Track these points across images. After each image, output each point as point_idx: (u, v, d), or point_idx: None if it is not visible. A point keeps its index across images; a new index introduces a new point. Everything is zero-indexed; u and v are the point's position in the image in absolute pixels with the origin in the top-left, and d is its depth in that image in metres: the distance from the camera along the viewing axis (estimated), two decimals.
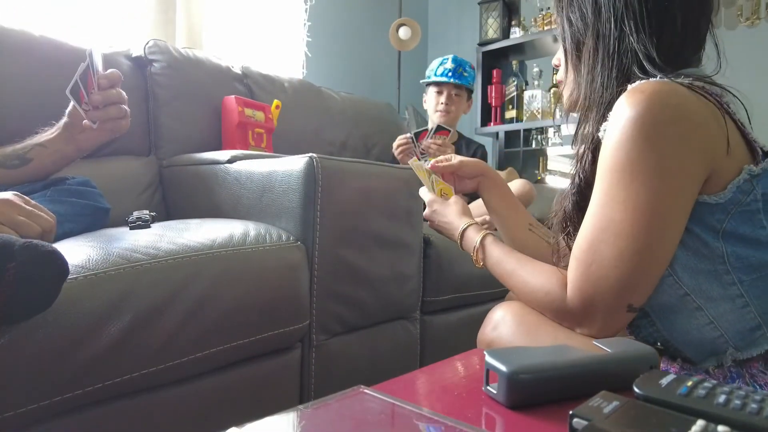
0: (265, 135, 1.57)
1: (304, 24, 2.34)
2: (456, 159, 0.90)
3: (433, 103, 2.02)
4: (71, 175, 0.96)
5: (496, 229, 0.91)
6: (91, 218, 0.92)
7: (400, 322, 1.22)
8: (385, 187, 1.14)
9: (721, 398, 0.38)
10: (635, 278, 0.58)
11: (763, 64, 2.27)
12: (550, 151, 2.75)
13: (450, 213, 0.85)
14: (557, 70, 0.79)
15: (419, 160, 0.90)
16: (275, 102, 1.64)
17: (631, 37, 0.64)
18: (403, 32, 2.53)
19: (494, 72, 2.70)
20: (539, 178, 2.72)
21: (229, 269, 0.84)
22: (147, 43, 1.47)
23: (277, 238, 0.96)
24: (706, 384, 0.41)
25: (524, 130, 2.71)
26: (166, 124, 1.44)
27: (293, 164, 1.02)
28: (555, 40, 2.33)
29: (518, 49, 2.67)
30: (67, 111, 0.90)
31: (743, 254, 0.59)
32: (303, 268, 0.97)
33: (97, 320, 0.66)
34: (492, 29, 2.68)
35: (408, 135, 1.83)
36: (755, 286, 0.59)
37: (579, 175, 0.69)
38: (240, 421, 0.38)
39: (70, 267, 0.61)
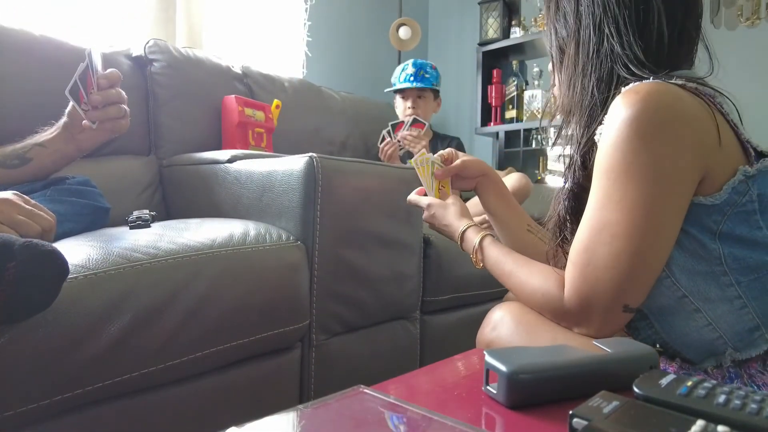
0: (265, 135, 1.57)
1: (305, 23, 2.34)
2: (458, 159, 0.90)
3: (401, 109, 2.12)
4: (71, 174, 0.96)
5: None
6: (91, 218, 0.92)
7: (399, 322, 1.22)
8: (385, 187, 1.14)
9: (721, 398, 0.38)
10: (631, 279, 0.59)
11: (763, 64, 2.27)
12: (550, 152, 2.75)
13: (449, 215, 0.85)
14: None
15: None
16: (275, 102, 1.64)
17: (612, 40, 0.65)
18: (404, 32, 2.53)
19: (494, 72, 2.70)
20: (539, 178, 2.72)
21: (229, 269, 0.84)
22: (147, 43, 1.47)
23: (277, 238, 0.96)
24: (705, 384, 0.41)
25: (524, 130, 2.70)
26: (166, 124, 1.44)
27: (293, 164, 1.02)
28: None
29: (518, 49, 2.67)
30: (66, 111, 0.90)
31: (740, 255, 0.59)
32: (303, 268, 0.97)
33: (97, 320, 0.66)
34: (492, 29, 2.68)
35: (386, 129, 1.94)
36: (753, 287, 0.59)
37: (569, 179, 0.70)
38: (240, 421, 0.38)
39: (70, 266, 0.61)
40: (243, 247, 0.88)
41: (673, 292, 0.61)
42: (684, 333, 0.63)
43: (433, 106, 2.14)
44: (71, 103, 0.87)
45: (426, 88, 2.08)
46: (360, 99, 2.19)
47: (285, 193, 1.03)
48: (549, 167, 2.75)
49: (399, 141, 1.91)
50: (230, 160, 1.18)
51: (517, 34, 2.63)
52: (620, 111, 0.58)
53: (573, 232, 0.66)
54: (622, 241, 0.58)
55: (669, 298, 0.62)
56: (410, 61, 2.12)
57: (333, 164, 1.01)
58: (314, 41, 2.36)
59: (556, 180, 2.70)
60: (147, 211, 0.95)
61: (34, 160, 0.92)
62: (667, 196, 0.57)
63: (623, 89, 0.61)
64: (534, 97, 2.60)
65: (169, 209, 1.38)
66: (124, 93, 0.90)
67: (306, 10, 2.34)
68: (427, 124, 1.93)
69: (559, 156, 0.74)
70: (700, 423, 0.34)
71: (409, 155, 1.97)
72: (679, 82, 0.61)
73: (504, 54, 2.76)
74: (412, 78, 2.07)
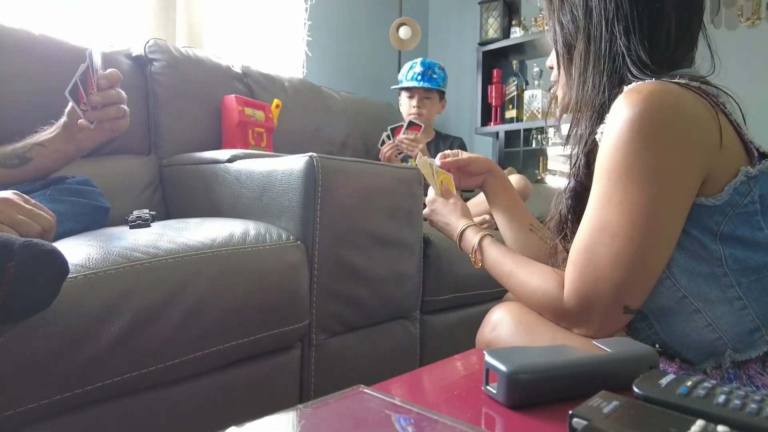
0: (265, 134, 1.57)
1: (305, 23, 2.34)
2: (465, 154, 0.91)
3: (406, 107, 2.12)
4: (71, 174, 0.97)
5: (496, 228, 0.91)
6: (91, 217, 0.92)
7: (399, 322, 1.22)
8: (385, 187, 1.14)
9: (721, 398, 0.38)
10: (632, 280, 0.59)
11: (763, 64, 2.27)
12: (550, 151, 2.75)
13: (449, 213, 0.85)
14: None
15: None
16: (275, 101, 1.64)
17: (620, 41, 0.64)
18: (404, 32, 2.53)
19: (494, 72, 2.70)
20: (539, 177, 2.72)
21: (229, 268, 0.84)
22: (147, 42, 1.47)
23: (277, 238, 0.96)
24: (705, 384, 0.41)
25: (524, 130, 2.71)
26: (166, 124, 1.44)
27: (293, 163, 1.02)
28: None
29: (518, 48, 2.67)
30: (66, 111, 0.90)
31: (741, 256, 0.59)
32: (303, 268, 0.97)
33: (96, 319, 0.66)
34: (492, 29, 2.68)
35: (386, 132, 1.97)
36: (753, 288, 0.59)
37: (573, 178, 0.69)
38: (240, 421, 0.38)
39: (70, 266, 0.61)
40: (243, 246, 0.88)
41: (674, 293, 0.61)
42: (684, 334, 0.63)
43: (438, 107, 2.14)
44: (71, 103, 0.87)
45: (433, 88, 2.07)
46: (360, 99, 2.19)
47: (285, 192, 1.03)
48: (549, 167, 2.75)
49: (397, 145, 1.93)
50: (230, 160, 1.18)
51: (517, 33, 2.63)
52: (622, 111, 0.58)
53: (574, 231, 0.65)
54: (623, 242, 0.58)
55: (669, 299, 0.62)
56: (419, 60, 2.12)
57: (333, 164, 1.01)
58: (314, 41, 2.36)
59: (556, 180, 2.70)
60: (147, 211, 0.95)
61: (34, 159, 0.92)
62: (669, 197, 0.57)
63: (625, 88, 0.61)
64: (534, 97, 2.60)
65: (169, 209, 1.38)
66: (123, 93, 0.90)
67: (306, 10, 2.34)
68: (422, 126, 1.94)
69: (564, 155, 0.74)
70: (699, 423, 0.34)
71: (408, 158, 1.98)
72: (682, 81, 0.61)
73: (504, 54, 2.76)
74: (419, 77, 2.06)
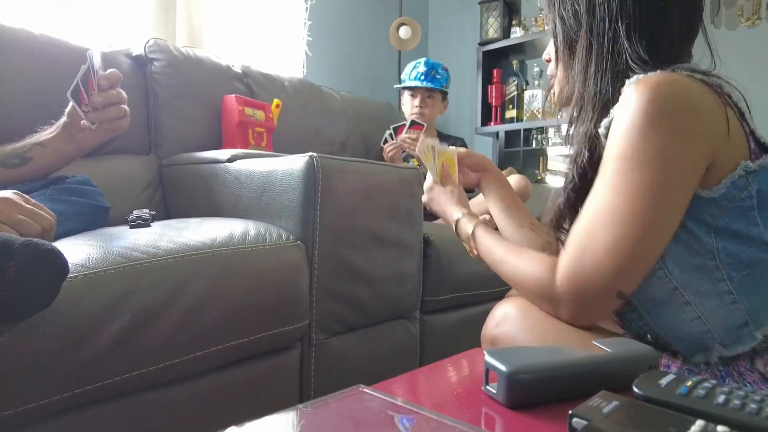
0: (265, 134, 1.57)
1: (305, 23, 2.34)
2: (462, 149, 0.92)
3: (408, 107, 2.11)
4: (71, 173, 0.96)
5: (496, 229, 0.91)
6: (91, 217, 0.92)
7: (399, 322, 1.22)
8: (385, 187, 1.14)
9: (721, 398, 0.38)
10: (629, 264, 0.58)
11: (763, 64, 2.27)
12: (550, 151, 2.75)
13: (446, 201, 0.86)
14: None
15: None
16: (275, 101, 1.64)
17: (623, 40, 0.64)
18: (404, 32, 2.53)
19: (494, 72, 2.70)
20: (539, 177, 2.72)
21: (228, 268, 0.84)
22: (147, 42, 1.47)
23: (277, 238, 0.96)
24: (705, 384, 0.41)
25: (524, 130, 2.71)
26: (166, 123, 1.44)
27: (293, 163, 1.02)
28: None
29: (518, 48, 2.67)
30: (66, 111, 0.90)
31: (734, 251, 0.59)
32: (303, 268, 0.97)
33: (97, 319, 0.66)
34: (492, 29, 2.68)
35: (388, 131, 1.98)
36: (744, 283, 0.59)
37: (573, 174, 0.69)
38: (239, 420, 0.38)
39: (70, 266, 0.61)
40: (243, 246, 0.88)
41: (665, 284, 0.61)
42: (674, 325, 0.63)
43: (440, 107, 2.14)
44: (71, 104, 0.87)
45: (436, 89, 2.07)
46: (360, 99, 2.19)
47: (285, 192, 1.03)
48: (549, 167, 2.75)
49: (400, 144, 1.93)
50: (230, 160, 1.18)
51: (517, 33, 2.63)
52: (631, 100, 0.58)
53: (571, 225, 0.65)
54: (623, 227, 0.57)
55: (660, 290, 0.62)
56: (422, 60, 2.12)
57: (333, 164, 1.01)
58: (314, 41, 2.36)
59: (556, 180, 2.70)
60: (147, 211, 0.95)
61: (34, 159, 0.92)
62: (673, 184, 0.57)
63: (635, 78, 0.61)
64: (534, 97, 2.60)
65: (169, 208, 1.38)
66: (124, 93, 0.90)
67: (306, 10, 2.34)
68: (425, 125, 1.94)
69: (563, 155, 0.74)
70: (699, 423, 0.34)
71: (410, 158, 1.99)
72: (686, 73, 0.61)
73: (504, 54, 2.76)
74: (423, 77, 2.06)
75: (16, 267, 0.53)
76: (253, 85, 1.70)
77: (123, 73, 0.91)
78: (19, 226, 0.68)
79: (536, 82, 2.65)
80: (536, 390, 0.45)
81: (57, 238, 0.79)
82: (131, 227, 0.91)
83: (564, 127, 0.75)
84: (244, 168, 1.14)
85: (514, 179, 1.71)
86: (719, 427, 0.33)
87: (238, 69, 1.68)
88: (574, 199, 0.69)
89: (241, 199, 1.12)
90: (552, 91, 0.79)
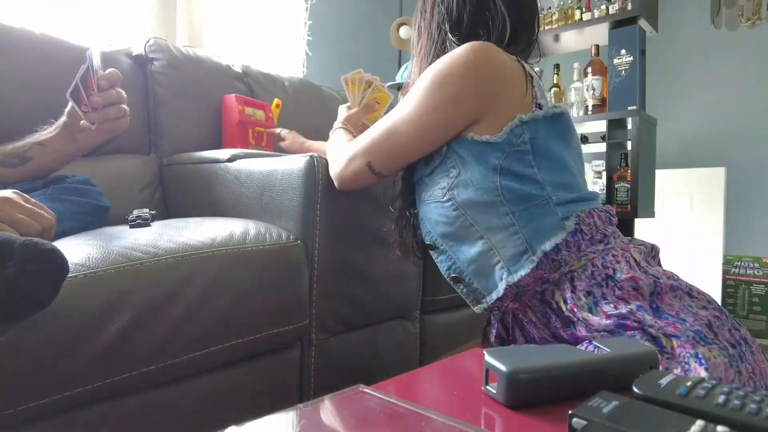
0: (265, 134, 1.57)
1: (305, 23, 2.34)
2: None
3: None
4: (71, 173, 0.96)
5: None
6: (91, 216, 0.92)
7: (399, 321, 1.22)
8: (386, 186, 1.14)
9: (720, 398, 0.38)
10: (380, 143, 0.83)
11: (764, 64, 2.27)
12: None
13: (344, 114, 1.13)
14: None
15: None
16: (275, 101, 1.64)
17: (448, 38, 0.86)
18: (404, 31, 2.53)
19: None
20: None
21: (228, 268, 0.84)
22: (147, 42, 1.46)
23: (277, 237, 0.96)
24: (705, 384, 0.41)
25: None
26: (167, 123, 1.44)
27: (293, 163, 1.02)
28: (555, 39, 2.33)
29: None
30: (66, 110, 0.90)
31: (513, 188, 0.74)
32: (303, 267, 0.97)
33: (96, 319, 0.66)
34: None
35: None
36: (522, 215, 0.74)
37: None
38: (239, 420, 0.38)
39: (69, 265, 0.61)
40: (243, 246, 0.88)
41: (463, 222, 0.77)
42: (473, 259, 0.78)
43: None
44: (71, 104, 0.87)
45: None
46: None
47: (285, 192, 1.03)
48: None
49: None
50: (230, 159, 1.18)
51: None
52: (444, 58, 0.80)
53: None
54: (392, 120, 0.81)
55: (460, 228, 0.78)
56: None
57: None
58: (315, 40, 2.36)
59: None
60: (147, 210, 0.95)
61: (34, 159, 0.92)
62: (438, 111, 0.77)
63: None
64: None
65: (169, 208, 1.38)
66: (123, 93, 0.90)
67: (306, 9, 2.34)
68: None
69: None
70: (699, 423, 0.34)
71: None
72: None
73: None
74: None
75: (15, 266, 0.53)
76: (254, 85, 1.70)
77: (123, 73, 0.91)
78: (19, 226, 0.68)
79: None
80: (536, 390, 0.45)
81: (57, 237, 0.79)
82: (131, 227, 0.91)
83: None
84: (244, 168, 1.14)
85: None
86: (719, 427, 0.33)
87: (238, 68, 1.68)
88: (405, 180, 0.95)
89: (241, 198, 1.12)
90: None
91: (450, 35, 0.85)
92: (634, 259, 0.72)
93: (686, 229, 2.61)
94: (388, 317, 1.19)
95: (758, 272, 2.48)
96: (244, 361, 0.89)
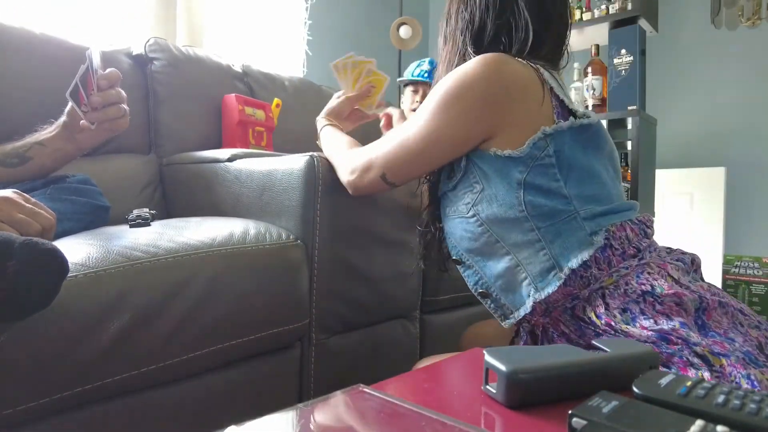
0: (265, 133, 1.57)
1: (305, 22, 2.34)
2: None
3: (408, 102, 2.15)
4: (71, 173, 0.96)
5: None
6: (91, 216, 0.92)
7: (399, 321, 1.22)
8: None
9: (720, 398, 0.38)
10: (394, 156, 0.81)
11: (764, 64, 2.27)
12: None
13: (330, 105, 1.13)
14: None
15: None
16: (275, 100, 1.64)
17: (470, 49, 0.85)
18: (404, 31, 2.53)
19: None
20: None
21: (228, 268, 0.84)
22: (147, 41, 1.46)
23: (277, 237, 0.96)
24: (705, 384, 0.41)
25: None
26: (167, 122, 1.44)
27: (294, 163, 1.02)
28: None
29: None
30: (65, 110, 0.90)
31: (538, 203, 0.71)
32: (303, 267, 0.97)
33: (96, 318, 0.66)
34: None
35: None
36: (549, 231, 0.71)
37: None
38: (239, 420, 0.38)
39: (70, 265, 0.60)
40: (243, 246, 0.88)
41: (488, 238, 0.75)
42: (499, 275, 0.76)
43: None
44: (70, 104, 0.87)
45: None
46: None
47: (285, 192, 1.03)
48: None
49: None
50: (230, 159, 1.18)
51: None
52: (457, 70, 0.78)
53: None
54: (404, 134, 0.79)
55: (485, 245, 0.76)
56: (427, 59, 2.17)
57: None
58: (315, 40, 2.36)
59: None
60: (147, 210, 0.95)
61: (33, 158, 0.92)
62: (452, 127, 0.75)
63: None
64: None
65: (169, 208, 1.38)
66: (123, 92, 0.90)
67: (306, 9, 2.34)
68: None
69: None
70: (699, 423, 0.34)
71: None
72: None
73: None
74: (427, 75, 2.10)
75: (15, 266, 0.53)
76: (254, 85, 1.70)
77: (123, 73, 0.91)
78: (19, 225, 0.68)
79: None
80: (536, 390, 0.45)
81: (57, 237, 0.79)
82: (131, 226, 0.91)
83: None
84: (244, 167, 1.14)
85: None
86: (719, 427, 0.33)
87: (238, 68, 1.68)
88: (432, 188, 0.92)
89: (241, 198, 1.12)
90: None
91: (469, 46, 0.83)
92: (672, 277, 0.67)
93: (686, 229, 2.61)
94: (388, 317, 1.19)
95: (758, 272, 2.49)
96: (244, 361, 0.89)
